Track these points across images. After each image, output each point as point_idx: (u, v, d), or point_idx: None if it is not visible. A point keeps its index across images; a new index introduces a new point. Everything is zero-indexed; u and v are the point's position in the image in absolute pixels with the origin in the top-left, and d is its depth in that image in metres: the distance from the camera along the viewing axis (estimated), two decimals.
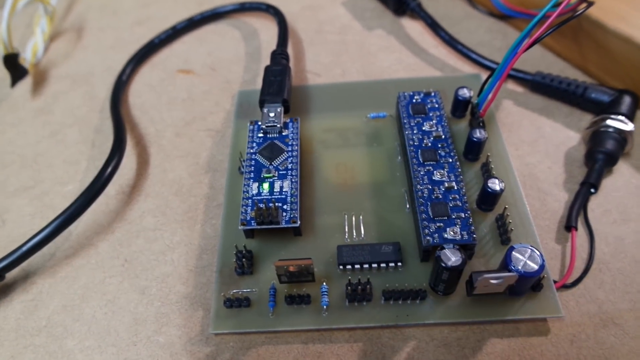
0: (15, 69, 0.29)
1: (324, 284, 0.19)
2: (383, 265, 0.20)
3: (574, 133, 0.24)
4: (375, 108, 0.26)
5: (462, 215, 0.19)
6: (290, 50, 0.30)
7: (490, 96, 0.22)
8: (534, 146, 0.24)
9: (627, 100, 0.23)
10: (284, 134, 0.23)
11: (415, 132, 0.22)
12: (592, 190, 0.22)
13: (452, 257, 0.17)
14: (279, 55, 0.26)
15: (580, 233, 0.21)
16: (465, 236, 0.19)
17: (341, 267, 0.20)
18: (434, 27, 0.29)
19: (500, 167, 0.23)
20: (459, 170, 0.21)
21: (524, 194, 0.22)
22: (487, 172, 0.22)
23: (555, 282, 0.19)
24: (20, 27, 0.33)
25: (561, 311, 0.18)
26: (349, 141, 0.24)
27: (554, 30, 0.21)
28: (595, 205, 0.22)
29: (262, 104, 0.24)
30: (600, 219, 0.21)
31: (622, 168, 0.23)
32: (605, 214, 0.22)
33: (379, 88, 0.27)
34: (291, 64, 0.29)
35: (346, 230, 0.21)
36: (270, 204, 0.20)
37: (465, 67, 0.28)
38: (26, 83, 0.30)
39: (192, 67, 0.30)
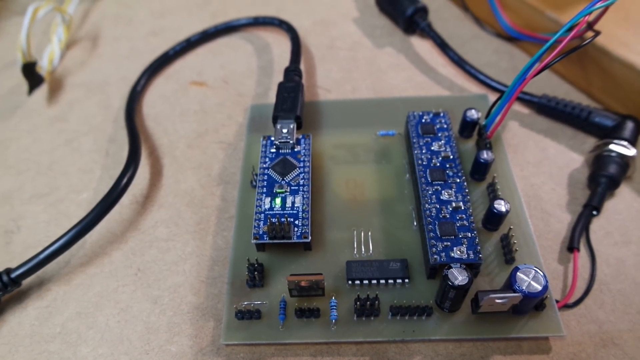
0: (33, 77, 0.30)
1: (333, 298, 0.20)
2: (391, 281, 0.20)
3: (578, 155, 0.25)
4: (384, 125, 0.26)
5: (469, 234, 0.20)
6: (301, 65, 0.31)
7: (498, 119, 0.23)
8: (539, 167, 0.25)
9: (629, 126, 0.24)
10: (296, 150, 0.24)
11: (424, 151, 0.23)
12: (595, 212, 0.22)
13: (459, 277, 0.18)
14: (292, 72, 0.27)
15: (582, 254, 0.22)
16: (472, 255, 0.19)
17: (350, 282, 0.21)
18: (443, 47, 0.30)
19: (506, 188, 0.23)
20: (467, 190, 0.21)
21: (528, 214, 0.23)
22: (493, 193, 0.23)
23: (557, 301, 0.20)
24: (37, 35, 0.34)
25: (563, 330, 0.19)
26: (358, 158, 0.25)
27: (563, 57, 0.21)
28: (597, 227, 0.23)
29: (275, 120, 0.25)
30: (602, 240, 0.22)
31: (624, 192, 0.24)
32: (607, 236, 0.22)
33: (389, 106, 0.27)
34: (303, 78, 0.30)
35: (355, 246, 0.22)
36: (283, 220, 0.21)
37: (473, 87, 0.29)
38: (42, 91, 0.31)
39: (205, 79, 0.31)
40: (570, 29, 0.22)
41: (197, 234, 0.24)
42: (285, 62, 0.29)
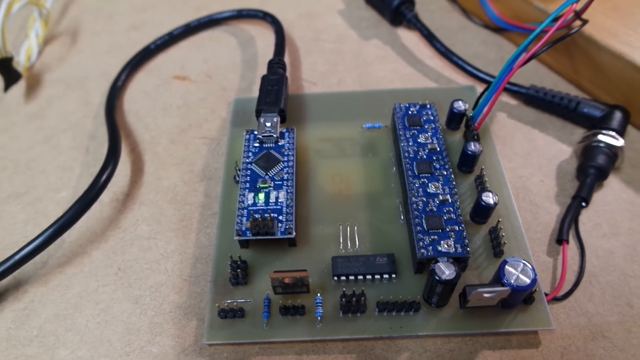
0: (9, 73, 0.29)
1: (319, 295, 0.20)
2: (377, 276, 0.20)
3: (566, 147, 0.25)
4: (370, 118, 0.26)
5: (456, 228, 0.20)
6: (286, 58, 0.30)
7: (485, 110, 0.22)
8: (527, 159, 0.24)
9: (618, 116, 0.24)
10: (280, 144, 0.23)
11: (410, 144, 0.23)
12: (584, 204, 0.22)
13: (446, 271, 0.18)
14: (276, 65, 0.26)
15: (571, 246, 0.21)
16: (459, 249, 0.19)
17: (336, 278, 0.20)
18: (430, 38, 0.29)
19: (494, 180, 0.23)
20: (454, 183, 0.21)
21: (517, 206, 0.22)
22: (481, 185, 0.22)
23: (546, 295, 0.19)
24: (13, 30, 0.33)
25: (552, 324, 0.19)
26: (344, 151, 0.25)
27: (550, 47, 0.21)
28: (586, 218, 0.22)
29: (258, 114, 0.24)
30: (591, 232, 0.22)
31: (612, 182, 0.23)
32: (596, 227, 0.22)
33: (375, 98, 0.27)
34: (287, 71, 0.29)
35: (341, 241, 0.21)
36: (266, 215, 0.20)
37: (460, 79, 0.28)
38: (19, 87, 0.30)
39: (188, 73, 0.30)
40: (556, 19, 0.22)
41: (180, 231, 0.23)
42: (270, 55, 0.28)
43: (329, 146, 0.25)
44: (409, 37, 0.31)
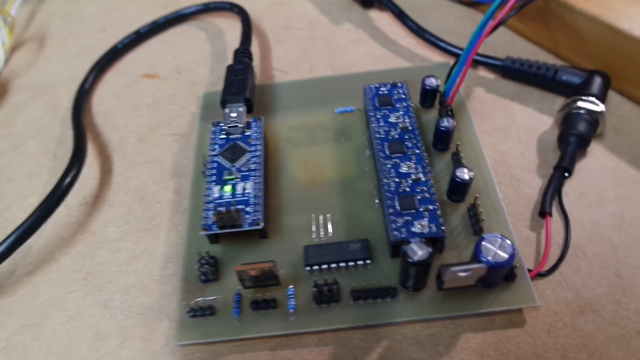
0: None
1: (291, 286, 0.19)
2: (352, 263, 0.19)
3: (547, 117, 0.24)
4: (344, 103, 0.25)
5: (431, 207, 0.19)
6: (256, 48, 0.29)
7: (456, 83, 0.21)
8: (507, 133, 0.24)
9: (597, 81, 0.23)
10: (247, 134, 0.22)
11: (381, 124, 0.22)
12: (566, 174, 0.21)
13: (418, 252, 0.17)
14: (242, 54, 0.26)
15: (556, 219, 0.20)
16: (434, 229, 0.18)
17: (308, 268, 0.19)
18: (402, 17, 0.28)
19: (472, 156, 0.22)
20: (427, 161, 0.20)
21: (497, 182, 0.21)
22: (457, 162, 0.21)
23: (530, 270, 0.19)
24: None
25: (536, 301, 0.18)
26: (316, 138, 0.24)
27: (516, 12, 0.20)
28: (570, 189, 0.21)
29: (223, 104, 0.23)
30: (576, 203, 0.21)
31: (595, 150, 0.22)
32: (581, 197, 0.21)
33: (347, 82, 0.26)
34: (258, 62, 0.28)
35: (314, 229, 0.21)
36: (231, 207, 0.19)
37: (435, 57, 0.27)
38: None
39: (157, 71, 0.29)
40: None
41: (150, 231, 0.22)
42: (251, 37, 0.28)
43: (301, 134, 0.24)
44: (382, 18, 0.30)
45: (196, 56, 0.30)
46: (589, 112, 0.22)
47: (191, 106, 0.27)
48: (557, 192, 0.21)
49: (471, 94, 0.25)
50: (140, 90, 0.28)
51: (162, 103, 0.27)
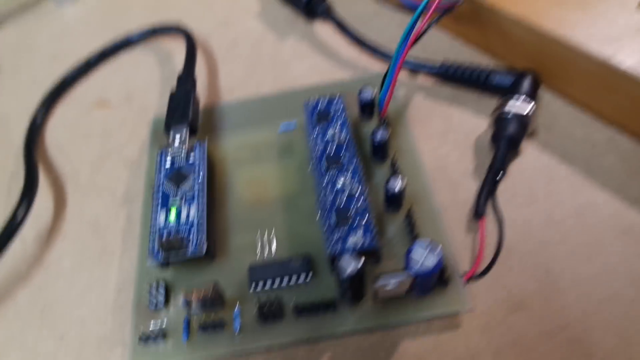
0: None
1: (237, 306, 0.19)
2: (294, 280, 0.20)
3: (483, 120, 0.25)
4: (289, 118, 0.25)
5: (365, 220, 0.19)
6: (203, 69, 0.30)
7: (387, 95, 0.22)
8: (444, 138, 0.24)
9: (527, 81, 0.23)
10: (190, 159, 0.23)
11: (319, 140, 0.22)
12: (499, 175, 0.22)
13: (348, 266, 0.17)
14: (185, 78, 0.26)
15: (492, 220, 0.21)
16: (368, 241, 0.19)
17: (253, 287, 0.20)
18: (343, 28, 0.29)
19: (410, 164, 0.23)
20: (362, 174, 0.21)
21: (437, 187, 0.22)
22: (393, 172, 0.22)
23: (465, 273, 0.19)
24: None
25: (469, 303, 0.18)
26: (261, 157, 0.24)
27: (436, 22, 0.21)
28: (504, 189, 0.22)
29: (167, 129, 0.24)
30: (509, 203, 0.22)
31: (528, 149, 0.23)
32: (514, 197, 0.22)
33: (291, 98, 0.26)
34: (204, 83, 0.29)
35: (259, 248, 0.21)
36: (176, 234, 0.20)
37: (377, 66, 0.28)
38: None
39: (107, 99, 0.30)
40: None
41: (103, 260, 0.23)
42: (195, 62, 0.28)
43: (246, 153, 0.25)
44: (325, 31, 0.31)
45: (146, 81, 0.30)
46: (518, 112, 0.22)
47: (142, 132, 0.27)
48: (491, 194, 0.22)
49: (410, 101, 0.26)
50: (92, 120, 0.29)
51: (113, 131, 0.28)
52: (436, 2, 0.20)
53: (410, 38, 0.21)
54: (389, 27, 0.30)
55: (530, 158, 0.23)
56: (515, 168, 0.23)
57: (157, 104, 0.29)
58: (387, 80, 0.22)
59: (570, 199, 0.21)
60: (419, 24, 0.21)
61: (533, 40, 0.24)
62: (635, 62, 0.21)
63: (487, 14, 0.25)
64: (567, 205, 0.21)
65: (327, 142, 0.22)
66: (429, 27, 0.20)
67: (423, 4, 0.21)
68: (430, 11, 0.20)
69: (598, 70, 0.22)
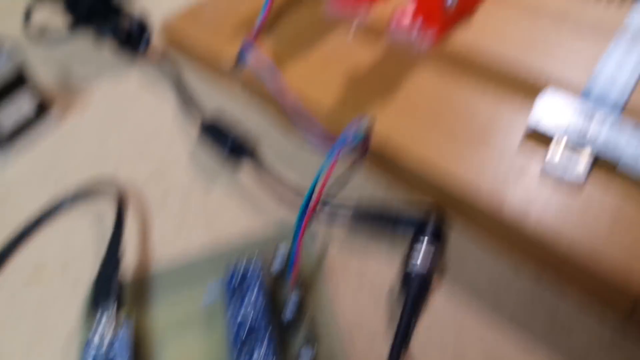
0: None
1: None
2: None
3: (395, 266, 0.25)
4: (215, 278, 0.25)
5: None
6: (134, 225, 0.31)
7: (294, 269, 0.23)
8: (359, 292, 0.25)
9: (430, 224, 0.25)
10: (114, 344, 0.23)
11: (234, 314, 0.23)
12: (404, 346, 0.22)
13: None
14: (110, 252, 0.27)
15: None
16: None
17: None
18: (267, 171, 0.30)
19: (325, 324, 0.23)
20: (275, 346, 0.21)
21: (352, 344, 0.23)
22: (307, 339, 0.23)
23: None
24: None
25: None
26: (186, 329, 0.25)
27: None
28: (415, 343, 0.23)
29: (94, 310, 0.24)
30: (424, 355, 0.22)
31: (438, 294, 0.24)
32: (428, 348, 0.22)
33: (218, 258, 0.27)
34: (135, 242, 0.30)
35: None
36: None
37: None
38: None
39: (40, 273, 0.30)
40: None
41: None
42: (126, 229, 0.29)
43: (172, 327, 0.25)
44: (251, 176, 0.32)
45: (80, 249, 0.30)
46: (419, 271, 0.23)
47: (76, 304, 0.27)
48: (405, 345, 0.22)
49: (325, 255, 0.27)
50: (24, 300, 0.29)
51: (47, 309, 0.28)
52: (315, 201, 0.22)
53: (302, 226, 0.22)
54: (311, 167, 0.31)
55: (440, 302, 0.24)
56: (428, 317, 0.23)
57: (91, 271, 0.29)
58: (292, 254, 0.23)
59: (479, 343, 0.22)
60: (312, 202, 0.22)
61: (435, 179, 0.25)
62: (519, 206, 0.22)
63: (393, 153, 0.27)
64: (477, 349, 0.22)
65: (242, 316, 0.23)
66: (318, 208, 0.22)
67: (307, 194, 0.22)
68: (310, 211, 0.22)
69: (488, 210, 0.24)
